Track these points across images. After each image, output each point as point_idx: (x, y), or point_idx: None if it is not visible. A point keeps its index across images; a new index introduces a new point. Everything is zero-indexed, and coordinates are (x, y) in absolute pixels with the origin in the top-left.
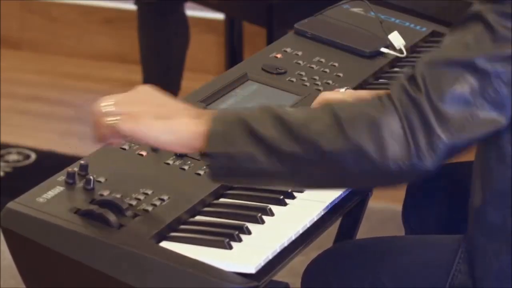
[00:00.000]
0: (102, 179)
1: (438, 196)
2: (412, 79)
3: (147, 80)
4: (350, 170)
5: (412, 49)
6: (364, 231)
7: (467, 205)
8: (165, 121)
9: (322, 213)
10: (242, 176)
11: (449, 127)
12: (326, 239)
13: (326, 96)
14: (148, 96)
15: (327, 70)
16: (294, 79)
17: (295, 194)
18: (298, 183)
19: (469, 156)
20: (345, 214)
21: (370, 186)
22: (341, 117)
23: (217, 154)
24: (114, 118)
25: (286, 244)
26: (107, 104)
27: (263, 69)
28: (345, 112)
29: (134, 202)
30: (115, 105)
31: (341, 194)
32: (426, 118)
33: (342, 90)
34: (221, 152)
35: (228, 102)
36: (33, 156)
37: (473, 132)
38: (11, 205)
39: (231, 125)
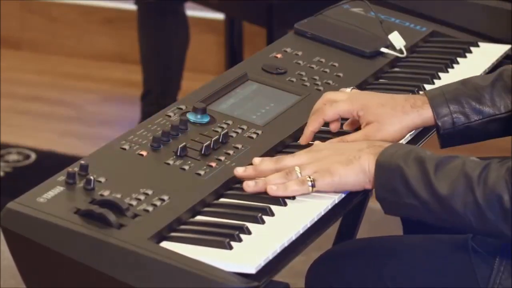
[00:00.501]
0: (102, 179)
1: None
2: None
3: (147, 80)
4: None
5: (412, 49)
6: (364, 231)
7: None
8: (354, 164)
9: (322, 213)
10: (411, 218)
11: None
12: (326, 239)
13: (330, 96)
14: (328, 147)
15: (327, 70)
16: (294, 79)
17: None
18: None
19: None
20: (345, 214)
21: None
22: (478, 196)
23: (384, 199)
24: (310, 180)
25: (286, 244)
26: (297, 170)
27: (263, 69)
28: (481, 190)
29: (134, 202)
30: (303, 168)
31: (341, 194)
32: None
33: (348, 90)
34: (387, 199)
35: (228, 102)
36: (33, 156)
37: None
38: (11, 205)
39: (392, 176)
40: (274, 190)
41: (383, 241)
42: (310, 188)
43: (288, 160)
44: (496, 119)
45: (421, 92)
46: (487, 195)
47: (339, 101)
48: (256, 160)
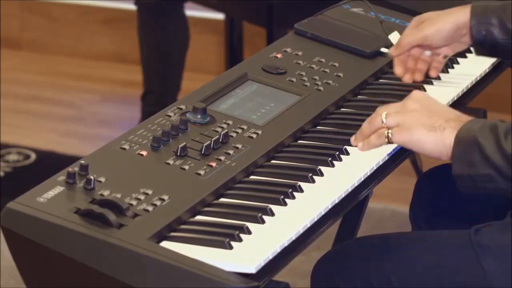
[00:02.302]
0: (102, 179)
1: (446, 193)
2: None
3: (147, 80)
4: None
5: None
6: (364, 231)
7: (474, 202)
8: (437, 133)
9: (322, 213)
10: (487, 190)
11: None
12: (326, 239)
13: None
14: (421, 104)
15: (327, 70)
16: (294, 79)
17: (295, 194)
18: None
19: None
20: (345, 214)
21: None
22: None
23: (461, 175)
24: (388, 130)
25: (286, 244)
26: (383, 116)
27: (263, 69)
28: None
29: (134, 202)
30: (389, 117)
31: (341, 194)
32: None
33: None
34: (465, 173)
35: (228, 102)
36: (33, 156)
37: None
38: (11, 205)
39: (470, 149)
40: (360, 146)
41: (387, 238)
42: (386, 140)
43: (380, 109)
44: None
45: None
46: None
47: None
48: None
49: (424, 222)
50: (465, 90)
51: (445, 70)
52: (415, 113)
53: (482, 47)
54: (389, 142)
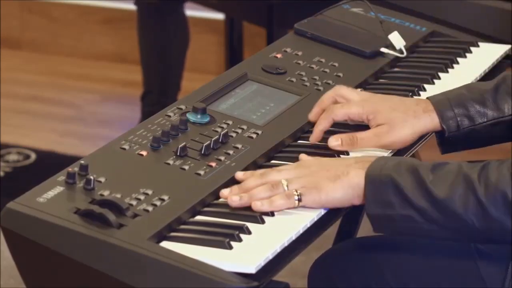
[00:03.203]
0: (102, 179)
1: None
2: None
3: (147, 80)
4: (493, 240)
5: (412, 49)
6: (364, 231)
7: None
8: (342, 179)
9: (322, 213)
10: (405, 233)
11: None
12: (326, 239)
13: (342, 92)
14: (314, 163)
15: (327, 70)
16: (294, 79)
17: None
18: (456, 239)
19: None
20: (345, 214)
21: None
22: (480, 195)
23: (376, 215)
24: (296, 194)
25: (286, 244)
26: (284, 183)
27: (263, 69)
28: (483, 189)
29: (134, 202)
30: (290, 182)
31: None
32: None
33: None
34: (380, 214)
35: (228, 102)
36: (33, 156)
37: None
38: (11, 205)
39: (384, 188)
40: (259, 205)
41: (386, 240)
42: (297, 202)
43: (274, 175)
44: (500, 122)
45: (422, 96)
46: (489, 193)
47: (351, 103)
48: (240, 174)
49: None
50: None
51: (444, 70)
52: (313, 172)
53: (456, 142)
54: (300, 203)
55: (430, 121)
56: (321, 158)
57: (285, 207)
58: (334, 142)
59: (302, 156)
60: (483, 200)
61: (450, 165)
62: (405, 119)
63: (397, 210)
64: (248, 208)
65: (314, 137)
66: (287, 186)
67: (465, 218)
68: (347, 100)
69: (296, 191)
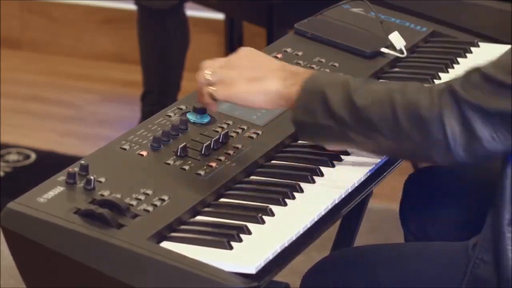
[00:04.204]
0: (102, 179)
1: (435, 198)
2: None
3: (147, 80)
4: (402, 155)
5: (412, 49)
6: (364, 231)
7: (466, 204)
8: (257, 83)
9: (323, 213)
10: (323, 140)
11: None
12: (326, 239)
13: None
14: (245, 58)
15: (327, 70)
16: None
17: (295, 194)
18: (366, 152)
19: None
20: (345, 214)
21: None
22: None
23: (300, 122)
24: (212, 87)
25: (286, 244)
26: (207, 73)
27: None
28: (400, 102)
29: (134, 202)
30: (213, 73)
31: (341, 194)
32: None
33: None
34: (304, 121)
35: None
36: (33, 156)
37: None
38: (11, 205)
39: (313, 98)
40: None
41: (381, 249)
42: (211, 99)
43: (205, 62)
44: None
45: None
46: (406, 104)
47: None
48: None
49: (414, 227)
50: None
51: (445, 70)
52: (238, 68)
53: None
54: (213, 99)
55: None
56: (255, 54)
57: (205, 104)
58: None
59: (241, 48)
60: (398, 110)
61: (382, 82)
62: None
63: (318, 119)
64: (248, 208)
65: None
66: (209, 75)
67: (378, 128)
68: None
69: (211, 87)
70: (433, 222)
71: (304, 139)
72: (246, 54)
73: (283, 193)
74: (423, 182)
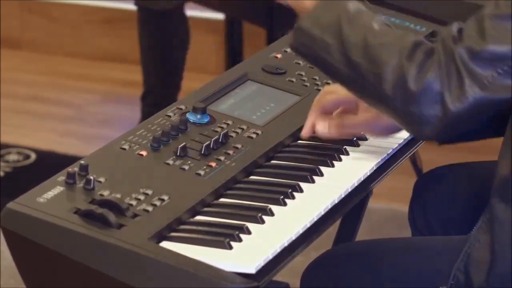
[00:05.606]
0: (102, 179)
1: (444, 196)
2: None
3: (147, 80)
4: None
5: None
6: (364, 231)
7: (473, 205)
8: None
9: (322, 213)
10: (314, 59)
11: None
12: (326, 239)
13: (329, 88)
14: None
15: None
16: (294, 79)
17: (295, 194)
18: (349, 88)
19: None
20: (345, 214)
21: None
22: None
23: (304, 28)
24: None
25: (286, 244)
26: None
27: (263, 69)
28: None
29: (134, 202)
30: None
31: (341, 194)
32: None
33: None
34: (307, 29)
35: (228, 102)
36: (33, 156)
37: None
38: (11, 205)
39: (330, 11)
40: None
41: (382, 244)
42: None
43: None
44: None
45: None
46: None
47: (338, 89)
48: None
49: (422, 226)
50: None
51: None
52: None
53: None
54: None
55: None
56: None
57: None
58: (321, 128)
59: None
60: (371, 43)
61: (394, 30)
62: None
63: (322, 35)
64: (248, 208)
65: (305, 131)
66: None
67: (379, 70)
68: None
69: None
70: (441, 222)
71: (298, 48)
72: None
73: (283, 193)
74: (433, 183)
